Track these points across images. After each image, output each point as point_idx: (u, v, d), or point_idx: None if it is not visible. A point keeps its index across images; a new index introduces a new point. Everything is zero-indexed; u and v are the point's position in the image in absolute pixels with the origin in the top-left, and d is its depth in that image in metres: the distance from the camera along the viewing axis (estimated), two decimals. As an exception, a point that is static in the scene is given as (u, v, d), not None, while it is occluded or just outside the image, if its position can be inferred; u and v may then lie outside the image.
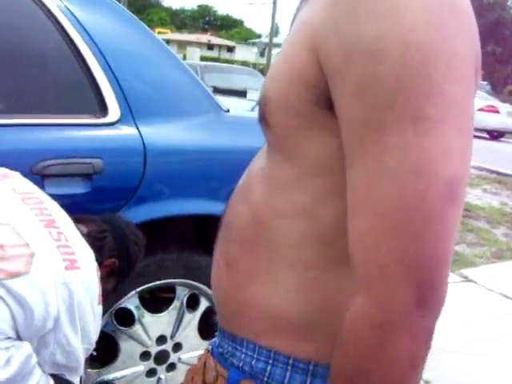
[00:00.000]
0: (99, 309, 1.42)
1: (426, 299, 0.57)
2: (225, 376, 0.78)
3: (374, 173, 0.59)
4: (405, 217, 0.57)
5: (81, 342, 1.35)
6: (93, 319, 1.38)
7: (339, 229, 0.67)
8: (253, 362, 0.75)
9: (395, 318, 0.57)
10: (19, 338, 1.23)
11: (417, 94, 0.57)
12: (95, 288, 1.39)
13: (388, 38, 0.57)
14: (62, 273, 1.29)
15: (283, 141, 0.72)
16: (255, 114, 2.78)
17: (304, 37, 0.67)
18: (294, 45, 0.69)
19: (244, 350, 0.76)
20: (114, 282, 1.70)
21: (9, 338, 1.20)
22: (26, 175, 1.61)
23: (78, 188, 1.72)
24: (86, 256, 1.41)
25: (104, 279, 1.60)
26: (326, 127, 0.67)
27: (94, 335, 1.42)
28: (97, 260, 1.47)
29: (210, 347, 0.87)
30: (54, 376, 1.32)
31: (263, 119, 0.74)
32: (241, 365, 0.76)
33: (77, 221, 1.51)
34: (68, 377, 1.38)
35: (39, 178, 1.63)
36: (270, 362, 0.73)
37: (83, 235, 1.48)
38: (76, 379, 1.41)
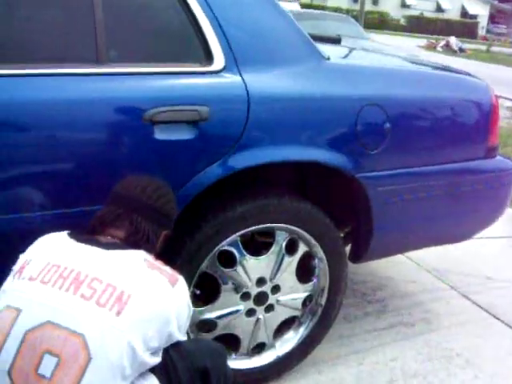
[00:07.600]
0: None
1: None
2: None
3: None
4: None
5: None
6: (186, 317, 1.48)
7: None
8: None
9: None
10: None
11: None
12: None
13: None
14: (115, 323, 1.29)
15: None
16: (354, 61, 2.72)
17: None
18: None
19: None
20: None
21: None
22: (137, 122, 1.70)
23: (185, 134, 1.78)
24: (136, 279, 1.37)
25: (161, 245, 1.62)
26: None
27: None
28: (152, 249, 1.52)
29: None
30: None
31: None
32: None
33: (108, 225, 1.51)
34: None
35: (149, 125, 1.71)
36: None
37: (122, 242, 1.48)
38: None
